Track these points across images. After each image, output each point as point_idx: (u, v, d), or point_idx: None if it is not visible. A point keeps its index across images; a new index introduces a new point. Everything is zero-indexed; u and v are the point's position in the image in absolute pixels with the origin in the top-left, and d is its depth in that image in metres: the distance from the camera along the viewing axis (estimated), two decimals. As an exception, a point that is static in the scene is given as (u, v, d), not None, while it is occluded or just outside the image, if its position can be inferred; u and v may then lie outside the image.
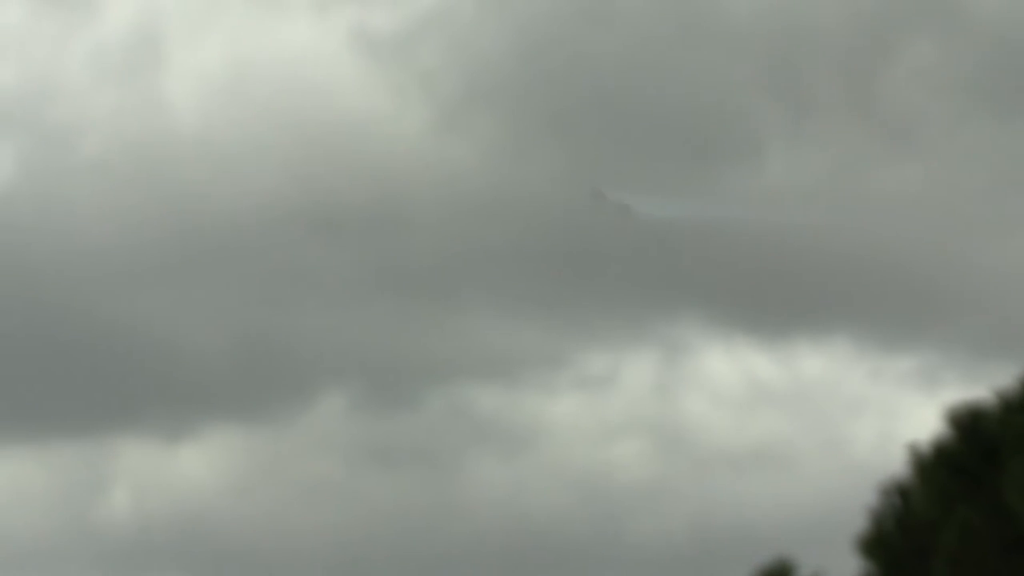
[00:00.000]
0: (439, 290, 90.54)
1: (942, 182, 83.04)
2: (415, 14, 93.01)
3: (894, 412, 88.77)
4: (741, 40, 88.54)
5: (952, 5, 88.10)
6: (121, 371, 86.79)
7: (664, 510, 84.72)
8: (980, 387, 46.56)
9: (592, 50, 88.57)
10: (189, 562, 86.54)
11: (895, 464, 46.76)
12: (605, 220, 64.44)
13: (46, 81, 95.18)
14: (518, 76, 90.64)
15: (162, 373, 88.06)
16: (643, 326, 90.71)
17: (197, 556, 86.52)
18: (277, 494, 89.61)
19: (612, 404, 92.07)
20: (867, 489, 46.66)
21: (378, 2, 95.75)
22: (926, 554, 45.42)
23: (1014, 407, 45.70)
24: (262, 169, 67.96)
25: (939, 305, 79.64)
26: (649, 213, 63.15)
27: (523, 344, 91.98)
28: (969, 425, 45.84)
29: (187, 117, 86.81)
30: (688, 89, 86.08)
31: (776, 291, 78.57)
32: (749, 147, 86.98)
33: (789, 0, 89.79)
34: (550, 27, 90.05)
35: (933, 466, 45.92)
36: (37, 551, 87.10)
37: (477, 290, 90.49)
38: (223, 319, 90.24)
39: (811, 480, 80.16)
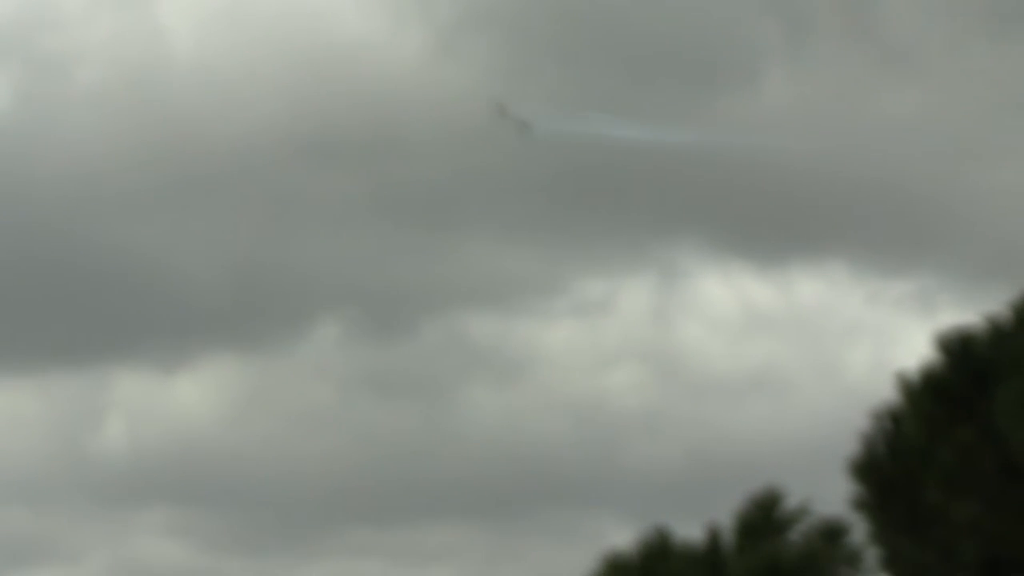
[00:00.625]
0: (435, 217, 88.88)
1: (941, 105, 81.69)
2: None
3: (890, 337, 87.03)
4: None
5: None
6: (116, 301, 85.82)
7: (659, 437, 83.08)
8: (977, 312, 45.98)
9: None
10: (184, 491, 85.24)
11: (889, 390, 46.05)
12: (594, 147, 62.72)
13: (42, 10, 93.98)
14: (514, 2, 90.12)
15: (158, 302, 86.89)
16: (640, 252, 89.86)
17: (192, 486, 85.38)
18: (272, 423, 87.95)
19: (608, 330, 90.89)
20: (861, 415, 46.09)
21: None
22: (916, 478, 45.11)
23: (1005, 333, 45.14)
24: (259, 96, 67.67)
25: (937, 229, 79.17)
26: (635, 138, 63.06)
27: (517, 269, 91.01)
28: (960, 351, 45.36)
29: (183, 44, 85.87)
30: (686, 12, 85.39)
31: (772, 216, 77.94)
32: (746, 72, 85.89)
33: None
34: None
35: (923, 392, 45.43)
36: (32, 481, 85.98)
37: (473, 217, 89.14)
38: (219, 247, 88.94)
39: (806, 406, 78.84)
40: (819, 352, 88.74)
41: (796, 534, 50.01)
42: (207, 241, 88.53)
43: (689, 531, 49.81)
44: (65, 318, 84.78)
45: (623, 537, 50.11)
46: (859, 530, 48.48)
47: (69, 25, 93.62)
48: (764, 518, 50.02)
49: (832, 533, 49.53)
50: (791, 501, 49.95)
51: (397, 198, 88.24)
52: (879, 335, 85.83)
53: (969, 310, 45.53)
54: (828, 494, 47.73)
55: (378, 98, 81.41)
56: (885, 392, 46.14)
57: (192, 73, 71.89)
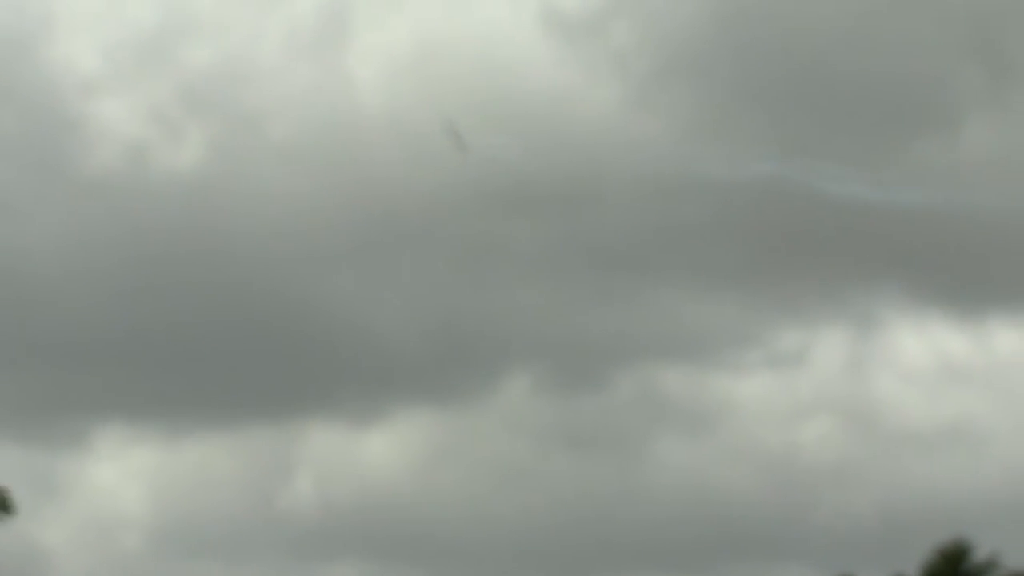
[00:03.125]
0: (629, 268, 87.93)
1: None
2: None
3: None
4: (939, 4, 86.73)
5: None
6: (311, 356, 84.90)
7: (850, 490, 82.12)
8: None
9: (783, 23, 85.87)
10: (374, 545, 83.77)
11: None
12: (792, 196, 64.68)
13: (236, 64, 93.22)
14: (708, 52, 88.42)
15: (351, 357, 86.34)
16: (836, 301, 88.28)
17: (382, 540, 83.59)
18: (463, 476, 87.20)
19: (802, 383, 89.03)
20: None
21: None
22: None
23: None
24: (450, 148, 67.16)
25: None
26: (837, 192, 65.03)
27: (710, 321, 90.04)
28: None
29: (373, 96, 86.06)
30: (883, 56, 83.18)
31: (969, 266, 77.33)
32: (946, 118, 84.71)
33: None
34: (743, 2, 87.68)
35: None
36: (223, 538, 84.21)
37: (668, 268, 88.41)
38: (413, 301, 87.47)
39: (1002, 461, 77.25)
40: (1017, 404, 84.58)
41: None
42: (400, 295, 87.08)
43: None
44: (260, 374, 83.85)
45: None
46: None
47: (262, 79, 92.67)
48: (951, 569, 47.12)
49: None
50: (980, 553, 47.59)
51: (590, 249, 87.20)
52: None
53: None
54: (1018, 548, 46.68)
55: (572, 150, 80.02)
56: None
57: (384, 127, 72.65)
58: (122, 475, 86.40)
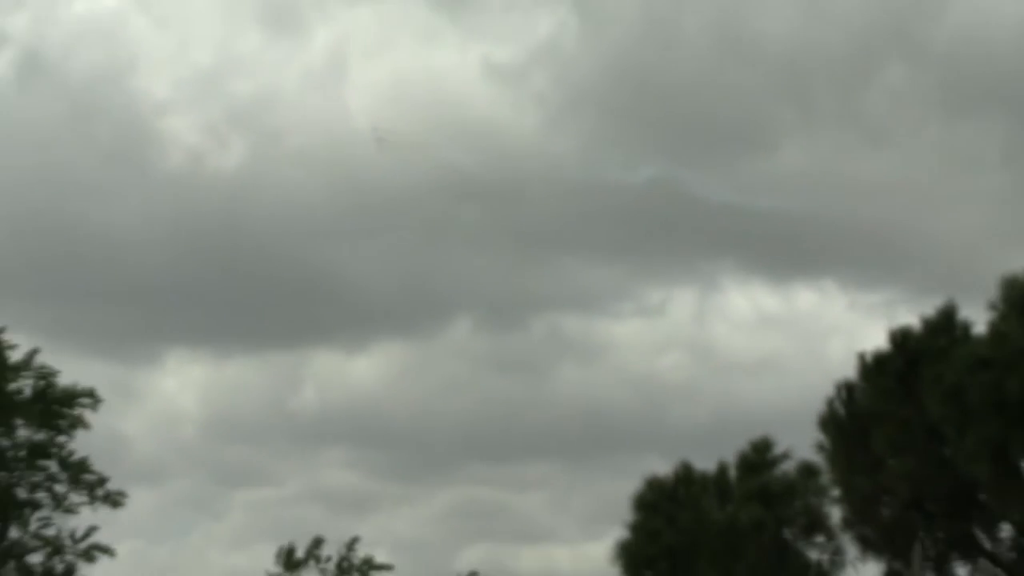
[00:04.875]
0: (544, 245, 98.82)
1: (907, 170, 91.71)
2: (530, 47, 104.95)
3: (862, 334, 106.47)
4: (768, 62, 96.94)
5: (913, 40, 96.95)
6: (314, 302, 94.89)
7: (694, 404, 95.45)
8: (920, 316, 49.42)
9: (662, 72, 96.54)
10: (356, 436, 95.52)
11: (853, 368, 49.82)
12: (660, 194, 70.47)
13: (265, 92, 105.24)
14: (605, 91, 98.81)
15: (344, 304, 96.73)
16: (688, 269, 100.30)
17: (363, 434, 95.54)
18: (421, 389, 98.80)
19: (661, 327, 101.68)
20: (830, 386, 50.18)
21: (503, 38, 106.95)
22: (867, 434, 47.84)
23: (934, 329, 48.12)
24: (422, 158, 75.92)
25: (899, 259, 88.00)
26: (697, 192, 73.87)
27: (600, 283, 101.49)
28: (901, 342, 48.37)
29: (363, 120, 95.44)
30: (726, 101, 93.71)
31: (782, 247, 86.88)
32: (768, 142, 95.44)
33: (802, 33, 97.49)
34: (632, 55, 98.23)
35: (874, 371, 48.62)
36: (251, 429, 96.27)
37: (571, 245, 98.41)
38: (388, 265, 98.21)
39: (798, 384, 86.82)
40: (810, 345, 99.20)
41: (781, 471, 52.73)
42: (379, 260, 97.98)
43: (707, 465, 54.37)
44: (279, 315, 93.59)
45: (661, 470, 54.66)
46: (825, 471, 50.80)
47: (284, 105, 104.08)
48: (759, 458, 52.97)
49: (807, 471, 52.14)
50: (779, 447, 53.22)
51: (516, 231, 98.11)
52: (854, 333, 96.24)
53: (917, 315, 49.05)
54: (805, 442, 51.44)
55: (505, 160, 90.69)
56: (850, 371, 49.89)
57: (367, 140, 78.90)
58: (181, 385, 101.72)
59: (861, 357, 48.73)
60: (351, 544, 33.49)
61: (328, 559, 33.46)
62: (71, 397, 33.52)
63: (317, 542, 33.14)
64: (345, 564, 33.08)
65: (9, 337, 33.56)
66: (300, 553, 33.02)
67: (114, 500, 33.57)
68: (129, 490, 34.38)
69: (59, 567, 33.71)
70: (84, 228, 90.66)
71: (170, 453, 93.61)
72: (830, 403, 49.32)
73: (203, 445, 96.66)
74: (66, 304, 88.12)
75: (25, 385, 33.55)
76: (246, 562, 76.44)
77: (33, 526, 33.74)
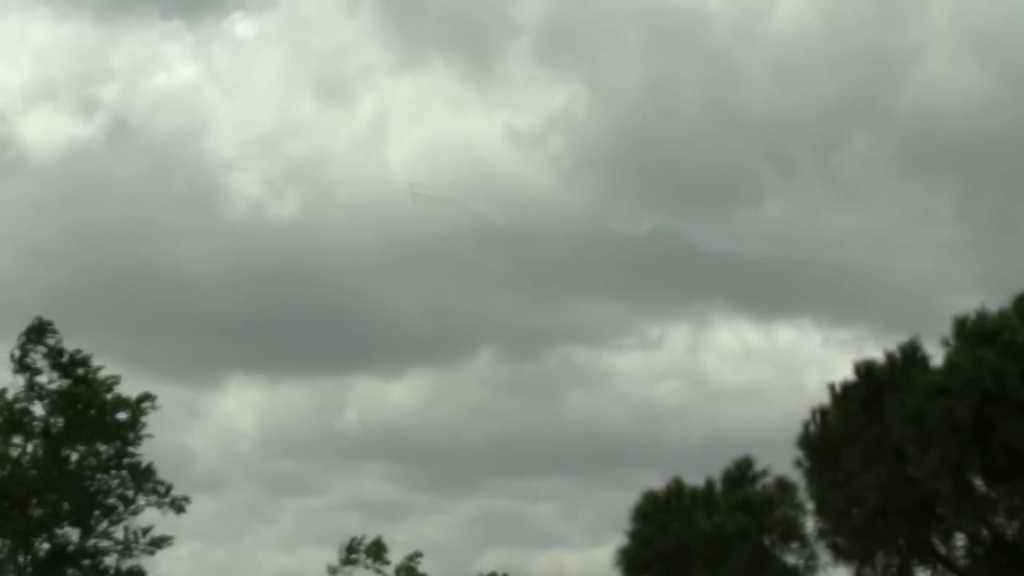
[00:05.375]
0: (557, 285, 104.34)
1: (874, 222, 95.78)
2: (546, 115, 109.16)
3: (834, 366, 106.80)
4: (753, 129, 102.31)
5: (877, 110, 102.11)
6: (359, 334, 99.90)
7: (687, 426, 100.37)
8: (884, 350, 52.08)
9: (664, 138, 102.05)
10: (392, 453, 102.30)
11: (825, 396, 52.50)
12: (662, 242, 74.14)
13: (319, 152, 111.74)
14: (614, 154, 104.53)
15: (383, 336, 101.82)
16: (685, 308, 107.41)
17: (399, 451, 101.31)
18: (450, 412, 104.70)
19: (659, 359, 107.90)
20: (806, 411, 52.67)
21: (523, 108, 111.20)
22: (838, 453, 50.55)
23: (896, 362, 51.31)
24: (457, 210, 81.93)
25: (866, 300, 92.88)
26: (694, 240, 75.54)
27: (606, 320, 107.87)
28: (866, 373, 51.31)
29: (401, 177, 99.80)
30: (717, 162, 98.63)
31: (765, 289, 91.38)
32: (753, 198, 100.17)
33: (782, 104, 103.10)
34: (632, 121, 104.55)
35: (843, 398, 51.46)
36: (300, 445, 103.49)
37: (581, 285, 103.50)
38: (421, 301, 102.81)
39: (778, 408, 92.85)
40: (789, 375, 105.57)
41: (761, 485, 55.34)
42: (414, 298, 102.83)
43: (696, 480, 57.24)
44: (326, 345, 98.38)
45: (657, 484, 57.18)
46: (801, 487, 53.29)
47: (334, 163, 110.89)
48: (741, 474, 55.69)
49: (784, 486, 54.87)
50: (759, 465, 55.97)
51: (533, 272, 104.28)
52: (827, 365, 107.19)
53: (881, 349, 52.10)
54: (784, 463, 54.04)
55: (524, 210, 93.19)
56: (823, 397, 52.70)
57: (406, 194, 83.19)
58: (240, 406, 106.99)
59: (831, 387, 51.55)
60: (413, 558, 34.65)
61: (388, 563, 34.45)
62: (130, 403, 35.46)
63: (378, 543, 34.21)
64: (402, 573, 34.36)
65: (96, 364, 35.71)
66: (361, 550, 34.16)
67: (179, 506, 35.29)
68: (192, 498, 35.55)
69: (127, 565, 35.40)
70: (160, 269, 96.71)
71: (229, 466, 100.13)
72: (806, 426, 52.16)
73: (258, 459, 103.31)
74: (143, 335, 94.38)
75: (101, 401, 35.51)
76: (295, 562, 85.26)
77: (103, 527, 35.47)
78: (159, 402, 35.37)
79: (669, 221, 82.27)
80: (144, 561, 36.06)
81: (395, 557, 34.50)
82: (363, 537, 33.96)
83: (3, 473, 34.51)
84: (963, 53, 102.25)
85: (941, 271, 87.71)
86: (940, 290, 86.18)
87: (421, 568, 34.05)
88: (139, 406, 35.72)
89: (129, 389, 35.73)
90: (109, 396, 35.79)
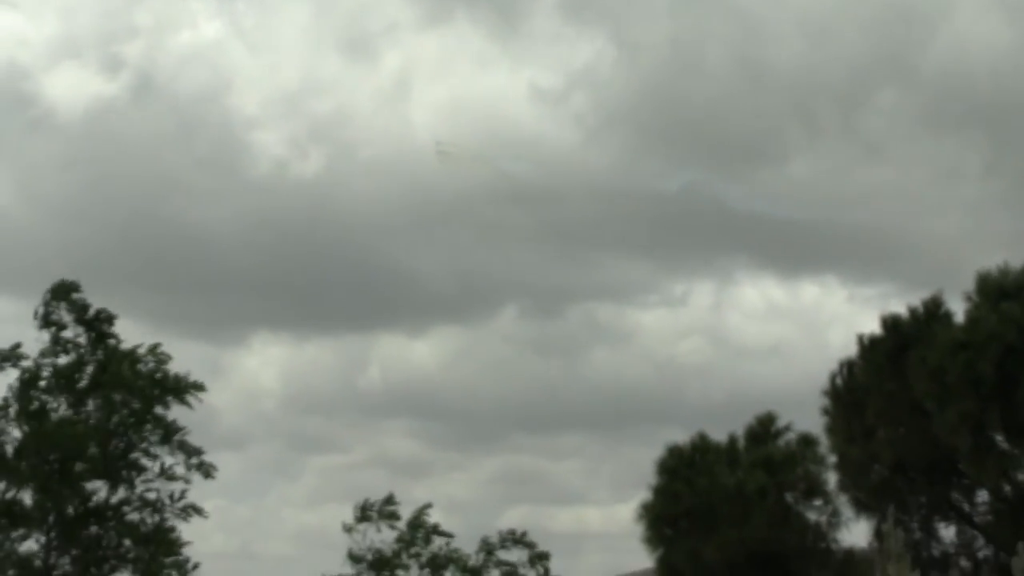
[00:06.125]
0: (582, 243, 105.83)
1: (900, 180, 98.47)
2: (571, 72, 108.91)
3: (858, 324, 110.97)
4: (779, 86, 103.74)
5: (904, 66, 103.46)
6: (384, 292, 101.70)
7: (710, 383, 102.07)
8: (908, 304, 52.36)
9: (685, 97, 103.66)
10: (417, 411, 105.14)
11: (853, 348, 53.12)
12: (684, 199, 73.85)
13: (339, 112, 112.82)
14: (639, 110, 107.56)
15: (408, 294, 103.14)
16: (709, 265, 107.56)
17: (422, 408, 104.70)
18: (473, 370, 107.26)
19: (683, 316, 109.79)
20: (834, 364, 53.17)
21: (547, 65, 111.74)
22: (863, 407, 51.21)
23: (920, 317, 51.58)
24: (481, 168, 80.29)
25: (891, 257, 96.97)
26: (721, 198, 78.45)
27: (629, 277, 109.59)
28: (892, 326, 51.71)
29: (425, 134, 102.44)
30: (743, 119, 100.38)
31: (788, 247, 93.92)
32: (779, 156, 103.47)
33: (809, 60, 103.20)
34: (657, 79, 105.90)
35: (869, 351, 51.78)
36: (324, 403, 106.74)
37: (607, 243, 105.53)
38: (446, 259, 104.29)
39: (805, 366, 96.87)
40: (814, 332, 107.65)
41: (783, 442, 55.33)
42: (439, 256, 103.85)
43: (720, 436, 57.09)
44: (350, 303, 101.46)
45: (681, 440, 56.83)
46: (823, 442, 53.81)
47: (357, 120, 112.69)
48: (764, 431, 55.73)
49: (806, 442, 54.86)
50: (782, 421, 55.83)
51: (557, 231, 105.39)
52: (853, 321, 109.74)
53: (905, 307, 52.26)
54: (808, 419, 54.80)
55: (549, 168, 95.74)
56: (847, 353, 53.45)
57: (430, 152, 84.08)
58: (264, 363, 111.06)
59: (860, 338, 51.68)
60: (423, 510, 34.66)
61: (399, 517, 34.66)
62: (183, 387, 35.11)
63: (389, 500, 34.32)
64: (415, 525, 34.35)
65: (120, 323, 35.33)
66: (374, 510, 34.43)
67: (207, 471, 35.04)
68: (216, 455, 35.38)
69: (153, 523, 34.89)
70: (184, 227, 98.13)
71: (253, 423, 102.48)
72: (832, 377, 52.51)
73: (282, 416, 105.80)
74: (168, 293, 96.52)
75: (142, 367, 35.09)
76: (318, 519, 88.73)
77: (139, 489, 35.16)
78: (183, 362, 34.99)
79: (696, 179, 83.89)
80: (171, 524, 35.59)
81: (432, 520, 34.21)
82: (377, 501, 33.87)
83: (33, 427, 34.18)
84: (990, 10, 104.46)
85: (967, 229, 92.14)
86: (966, 248, 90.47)
87: (433, 519, 34.22)
88: (184, 389, 34.96)
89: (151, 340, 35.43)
90: (158, 375, 35.13)
